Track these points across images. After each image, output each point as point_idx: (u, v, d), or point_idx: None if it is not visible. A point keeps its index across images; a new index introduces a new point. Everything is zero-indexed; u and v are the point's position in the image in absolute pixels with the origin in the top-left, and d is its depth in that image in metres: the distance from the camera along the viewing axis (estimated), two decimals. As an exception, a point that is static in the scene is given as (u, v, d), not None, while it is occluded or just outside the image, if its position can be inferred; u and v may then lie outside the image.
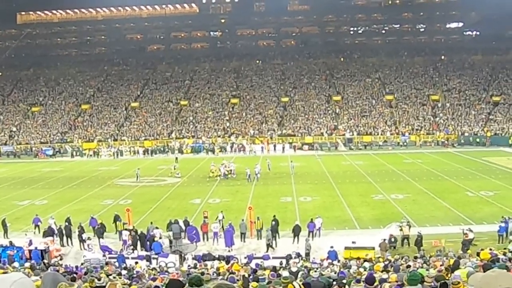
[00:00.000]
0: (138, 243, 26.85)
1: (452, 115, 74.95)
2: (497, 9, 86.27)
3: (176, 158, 56.87)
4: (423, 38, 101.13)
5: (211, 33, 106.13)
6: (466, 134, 70.01)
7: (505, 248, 21.03)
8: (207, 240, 28.24)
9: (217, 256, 23.99)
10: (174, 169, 50.58)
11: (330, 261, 21.27)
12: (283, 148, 67.02)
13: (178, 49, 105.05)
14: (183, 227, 27.15)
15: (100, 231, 28.46)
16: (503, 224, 25.70)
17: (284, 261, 21.84)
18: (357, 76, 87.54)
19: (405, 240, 26.13)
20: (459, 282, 8.39)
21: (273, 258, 23.32)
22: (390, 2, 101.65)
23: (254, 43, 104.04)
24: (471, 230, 24.84)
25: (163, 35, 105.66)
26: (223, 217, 29.75)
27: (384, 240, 24.88)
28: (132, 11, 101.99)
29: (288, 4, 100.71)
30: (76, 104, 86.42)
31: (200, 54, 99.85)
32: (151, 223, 28.63)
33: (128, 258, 24.25)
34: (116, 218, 29.77)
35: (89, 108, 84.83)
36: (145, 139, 73.92)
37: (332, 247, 23.49)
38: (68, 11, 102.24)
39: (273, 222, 27.51)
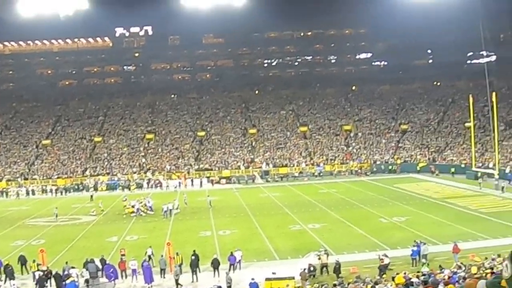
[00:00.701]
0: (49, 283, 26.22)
1: (364, 144, 77.80)
2: (403, 39, 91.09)
3: (92, 196, 55.89)
4: (334, 69, 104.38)
5: (125, 67, 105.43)
6: (377, 162, 72.80)
7: (418, 272, 22.30)
8: (126, 277, 27.92)
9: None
10: (100, 206, 49.54)
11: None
12: (201, 182, 67.18)
13: (91, 84, 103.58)
14: (100, 266, 26.88)
15: (9, 272, 27.52)
16: (415, 248, 27.15)
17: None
18: (272, 109, 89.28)
19: (324, 268, 26.82)
20: None
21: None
22: (302, 34, 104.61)
23: (169, 77, 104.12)
24: (386, 256, 26.05)
25: (75, 70, 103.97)
26: (152, 253, 29.72)
27: (304, 269, 25.63)
28: (43, 45, 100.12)
29: (203, 37, 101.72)
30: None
31: (113, 89, 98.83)
32: (66, 262, 28.06)
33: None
34: (21, 259, 28.97)
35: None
36: (58, 177, 71.74)
37: (253, 279, 23.97)
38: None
39: (193, 257, 27.70)
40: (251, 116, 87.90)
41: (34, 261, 28.41)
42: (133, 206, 46.87)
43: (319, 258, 27.17)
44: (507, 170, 58.08)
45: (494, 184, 52.65)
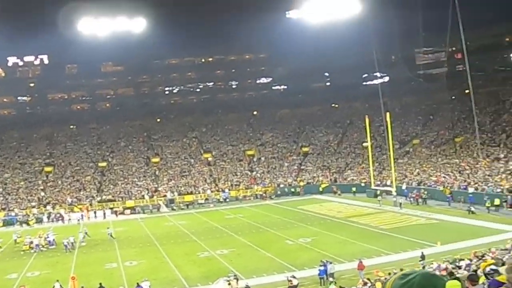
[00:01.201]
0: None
1: (267, 168, 79.06)
2: (301, 64, 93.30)
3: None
4: (235, 94, 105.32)
5: (19, 98, 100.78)
6: (281, 185, 74.09)
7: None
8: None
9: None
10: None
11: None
12: (104, 214, 65.35)
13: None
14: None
15: None
16: (322, 268, 27.96)
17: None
18: (175, 136, 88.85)
19: (235, 294, 26.85)
20: None
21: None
22: (203, 60, 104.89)
23: (67, 107, 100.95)
24: (294, 277, 26.68)
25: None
26: (61, 286, 28.76)
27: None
28: None
29: (102, 66, 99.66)
30: None
31: (7, 121, 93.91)
32: None
33: None
34: None
35: None
36: None
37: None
38: None
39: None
40: (153, 144, 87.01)
41: None
42: (31, 243, 44.86)
43: (229, 284, 27.35)
44: (404, 187, 60.98)
45: (392, 201, 55.22)
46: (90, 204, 69.22)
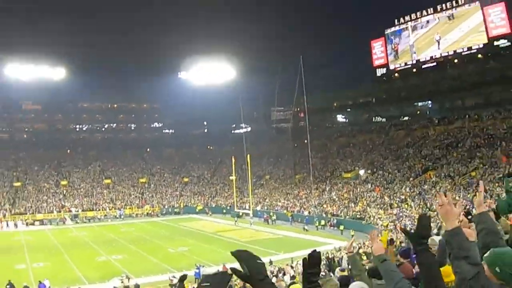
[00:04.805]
0: None
1: (155, 193, 77.21)
2: (185, 113, 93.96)
3: None
4: (133, 134, 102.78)
5: None
6: (166, 206, 72.71)
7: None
8: None
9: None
10: None
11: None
12: (16, 224, 59.61)
13: None
14: None
15: None
16: (197, 270, 27.75)
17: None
18: (81, 165, 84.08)
19: (127, 290, 26.03)
20: None
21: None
22: (109, 106, 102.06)
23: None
24: (175, 277, 26.24)
25: None
26: None
27: (111, 290, 24.61)
28: None
29: (23, 103, 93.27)
30: None
31: None
32: None
33: None
34: None
35: None
36: None
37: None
38: None
39: (8, 286, 25.04)
40: (63, 170, 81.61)
41: None
42: None
43: (122, 282, 26.52)
44: (259, 208, 62.47)
45: (249, 220, 56.32)
46: (4, 216, 63.49)
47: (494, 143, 49.31)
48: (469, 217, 6.55)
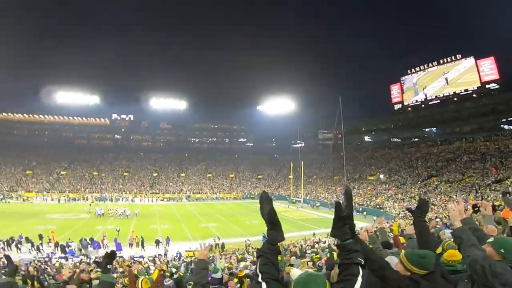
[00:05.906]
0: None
1: (239, 184, 76.64)
2: (261, 133, 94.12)
3: None
4: (227, 145, 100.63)
5: None
6: (246, 193, 71.94)
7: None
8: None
9: None
10: None
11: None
12: None
13: None
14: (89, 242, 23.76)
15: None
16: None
17: None
18: (194, 164, 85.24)
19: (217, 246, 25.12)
20: None
21: None
22: (212, 126, 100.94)
23: None
24: (249, 239, 25.30)
25: None
26: None
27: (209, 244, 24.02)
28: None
29: (161, 123, 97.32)
30: None
31: None
32: (69, 239, 24.21)
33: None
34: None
35: None
36: None
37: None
38: None
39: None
40: (182, 167, 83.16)
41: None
42: None
43: (214, 240, 26.17)
44: (308, 198, 60.62)
45: (297, 205, 54.75)
46: (146, 194, 65.68)
47: (485, 158, 44.30)
48: (476, 208, 6.32)
